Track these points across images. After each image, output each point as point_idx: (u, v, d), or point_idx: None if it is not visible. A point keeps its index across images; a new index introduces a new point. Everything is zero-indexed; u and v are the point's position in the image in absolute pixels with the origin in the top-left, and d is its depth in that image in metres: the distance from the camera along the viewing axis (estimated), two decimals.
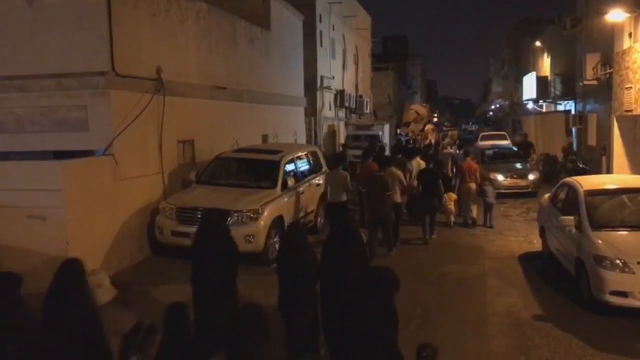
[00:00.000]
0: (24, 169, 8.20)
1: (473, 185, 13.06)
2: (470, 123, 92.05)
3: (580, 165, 19.11)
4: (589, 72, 19.27)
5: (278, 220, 9.79)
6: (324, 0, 24.05)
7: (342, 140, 25.63)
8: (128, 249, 9.40)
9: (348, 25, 28.87)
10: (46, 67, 8.91)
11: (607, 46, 17.37)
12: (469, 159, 13.83)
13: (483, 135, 32.73)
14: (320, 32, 23.60)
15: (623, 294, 6.97)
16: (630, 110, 14.71)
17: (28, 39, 8.98)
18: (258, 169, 10.84)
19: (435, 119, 58.72)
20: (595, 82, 19.25)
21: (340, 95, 26.49)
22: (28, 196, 7.89)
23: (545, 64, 31.99)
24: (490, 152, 20.15)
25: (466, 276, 9.07)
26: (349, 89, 28.97)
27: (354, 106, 29.71)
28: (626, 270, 6.97)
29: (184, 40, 11.24)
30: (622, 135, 16.52)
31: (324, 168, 12.73)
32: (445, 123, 76.52)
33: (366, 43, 35.00)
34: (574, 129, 23.68)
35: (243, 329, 3.81)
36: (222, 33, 12.97)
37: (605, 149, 17.88)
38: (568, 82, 26.17)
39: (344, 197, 11.00)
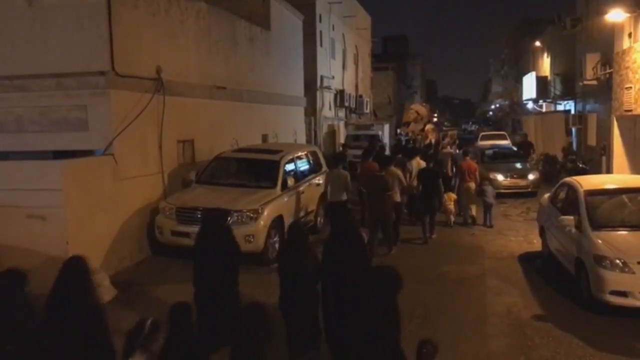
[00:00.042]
0: (23, 169, 8.19)
1: (472, 185, 13.09)
2: (470, 123, 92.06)
3: (580, 165, 19.11)
4: (589, 72, 19.27)
5: (278, 220, 9.79)
6: (324, 0, 24.05)
7: (342, 140, 25.64)
8: (128, 248, 9.40)
9: (348, 25, 28.88)
10: (46, 66, 8.91)
11: (607, 46, 17.37)
12: (468, 158, 13.88)
13: (483, 135, 32.74)
14: (320, 32, 23.60)
15: (623, 294, 6.97)
16: (630, 110, 14.71)
17: (28, 38, 8.98)
18: (258, 168, 10.84)
19: (435, 119, 58.70)
20: (595, 82, 19.26)
21: (340, 95, 26.50)
22: (28, 196, 7.89)
23: (545, 63, 32.00)
24: (490, 152, 20.16)
25: (466, 276, 9.07)
26: (349, 89, 28.97)
27: (353, 106, 29.71)
28: (626, 270, 6.97)
29: (183, 40, 11.24)
30: (622, 135, 16.53)
31: (324, 168, 12.74)
32: (445, 123, 76.54)
33: (366, 43, 35.00)
34: (573, 129, 23.69)
35: (247, 327, 3.83)
36: (222, 33, 12.97)
37: (605, 149, 17.88)
38: (568, 82, 26.17)
39: (344, 197, 11.01)
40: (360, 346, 4.45)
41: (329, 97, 25.15)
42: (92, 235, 8.36)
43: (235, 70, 13.69)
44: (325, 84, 23.97)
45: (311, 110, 21.96)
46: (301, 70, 19.81)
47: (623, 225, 7.87)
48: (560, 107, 27.69)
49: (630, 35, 15.44)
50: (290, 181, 10.42)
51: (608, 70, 17.47)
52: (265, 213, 9.40)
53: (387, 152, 21.13)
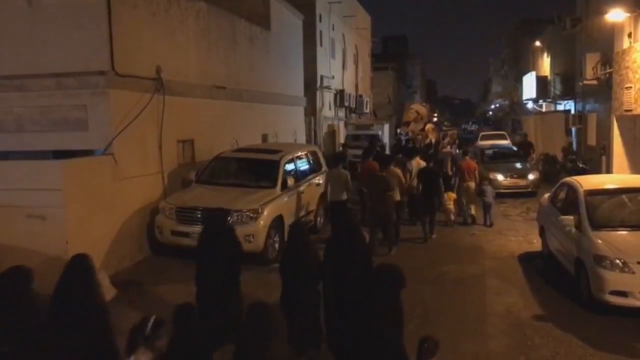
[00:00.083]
0: (23, 169, 8.18)
1: (472, 184, 13.13)
2: (470, 123, 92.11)
3: (580, 165, 19.11)
4: (589, 72, 19.27)
5: (278, 220, 9.79)
6: (323, 0, 24.04)
7: (341, 140, 25.64)
8: (128, 248, 9.40)
9: (348, 25, 28.87)
10: (46, 66, 8.90)
11: (607, 46, 17.37)
12: (467, 158, 13.98)
13: (483, 135, 32.76)
14: (320, 31, 23.59)
15: (623, 294, 6.96)
16: (630, 110, 14.71)
17: (27, 38, 8.97)
18: (258, 168, 10.84)
19: (435, 119, 58.72)
20: (595, 82, 19.25)
21: (340, 94, 26.50)
22: (28, 196, 7.89)
23: (545, 63, 31.99)
24: (490, 151, 20.17)
25: (466, 276, 9.07)
26: (349, 89, 28.96)
27: (353, 106, 29.71)
28: (626, 270, 6.97)
29: (183, 40, 11.24)
30: (622, 135, 16.53)
31: (324, 168, 12.74)
32: (445, 123, 76.56)
33: (366, 43, 35.00)
34: (573, 129, 23.68)
35: (250, 326, 3.86)
36: (221, 32, 12.97)
37: (605, 149, 17.88)
38: (568, 81, 26.17)
39: (344, 196, 11.02)
40: (362, 345, 4.46)
41: (328, 97, 25.14)
42: (92, 235, 8.36)
43: (235, 70, 13.69)
44: (325, 83, 23.96)
45: (311, 110, 21.95)
46: (301, 70, 19.80)
47: (623, 225, 7.86)
48: (560, 107, 27.68)
49: (630, 35, 15.44)
50: (290, 181, 10.42)
51: (608, 70, 17.46)
52: (265, 213, 9.39)
53: (387, 151, 21.14)
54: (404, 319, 4.63)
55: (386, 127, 28.24)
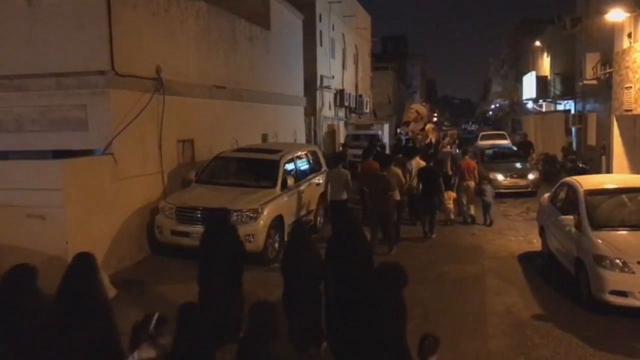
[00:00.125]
0: (23, 169, 8.18)
1: (472, 183, 13.17)
2: (470, 123, 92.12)
3: (580, 165, 19.11)
4: (589, 72, 19.27)
5: (278, 219, 9.79)
6: (323, 0, 24.04)
7: (341, 139, 25.65)
8: (127, 248, 9.40)
9: (348, 24, 28.87)
10: (45, 66, 8.90)
11: (607, 46, 17.37)
12: (467, 157, 14.05)
13: (483, 135, 32.78)
14: (320, 31, 23.59)
15: (623, 294, 6.96)
16: (630, 110, 14.71)
17: (27, 38, 8.97)
18: (258, 168, 10.84)
19: (435, 119, 58.74)
20: (595, 82, 19.25)
21: (339, 94, 26.50)
22: (27, 195, 7.88)
23: (545, 63, 31.98)
24: (490, 151, 20.18)
25: (466, 276, 9.07)
26: (349, 89, 28.97)
27: (353, 106, 29.71)
28: (626, 269, 6.97)
29: (183, 40, 11.23)
30: (622, 134, 16.53)
31: (324, 167, 12.75)
32: (445, 123, 76.56)
33: (366, 43, 35.00)
34: (573, 129, 23.68)
35: (254, 325, 3.89)
36: (221, 32, 12.97)
37: (605, 149, 17.88)
38: (568, 81, 26.17)
39: (345, 196, 11.04)
40: (363, 343, 4.47)
41: (328, 96, 25.14)
42: (92, 235, 8.35)
43: (235, 69, 13.69)
44: (325, 83, 23.96)
45: (311, 110, 21.95)
46: (301, 69, 19.80)
47: (623, 225, 7.86)
48: (560, 107, 27.68)
49: (629, 35, 15.43)
50: (290, 181, 10.42)
51: (608, 70, 17.46)
52: (265, 213, 9.39)
53: (387, 151, 21.13)
54: (407, 317, 4.64)
55: (386, 127, 28.24)
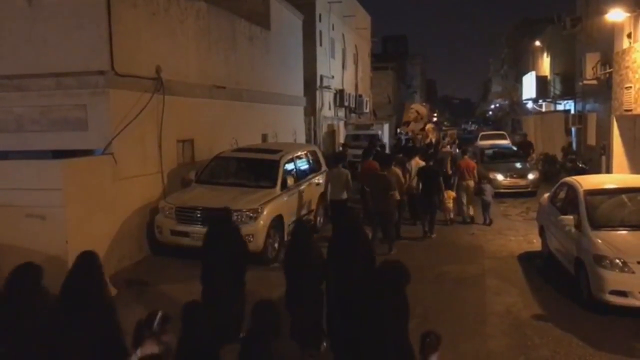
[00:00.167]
0: (23, 169, 8.18)
1: (471, 183, 13.21)
2: (470, 123, 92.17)
3: (580, 165, 19.11)
4: (589, 72, 19.26)
5: (277, 219, 9.79)
6: (323, 0, 24.04)
7: (341, 139, 25.66)
8: (127, 248, 9.40)
9: (348, 24, 28.87)
10: (45, 66, 8.91)
11: (607, 46, 17.37)
12: (466, 157, 14.14)
13: (483, 135, 32.79)
14: (320, 31, 23.59)
15: (623, 294, 6.96)
16: (630, 110, 14.71)
17: (27, 37, 8.97)
18: (257, 168, 10.84)
19: (435, 119, 58.76)
20: (595, 82, 19.25)
21: (339, 94, 26.50)
22: (27, 195, 7.88)
23: (545, 63, 31.98)
24: (490, 151, 20.20)
25: (466, 276, 9.07)
26: (349, 89, 28.97)
27: (353, 106, 29.71)
28: (626, 269, 6.97)
29: (183, 40, 11.23)
30: (622, 134, 16.53)
31: (324, 167, 12.75)
32: (445, 123, 76.62)
33: (366, 43, 35.00)
34: (573, 129, 23.68)
35: (257, 323, 3.91)
36: (221, 32, 12.97)
37: (604, 149, 17.88)
38: (568, 81, 26.16)
39: (345, 195, 11.04)
40: (365, 342, 4.47)
41: (328, 96, 25.15)
42: (92, 235, 8.34)
43: (235, 69, 13.69)
44: (325, 83, 23.96)
45: (311, 110, 21.96)
46: (301, 69, 19.80)
47: (623, 225, 7.86)
48: (560, 107, 27.68)
49: (629, 35, 15.43)
50: (290, 181, 10.42)
51: (608, 70, 17.46)
52: (265, 212, 9.39)
53: (387, 151, 21.13)
54: (410, 315, 4.64)
55: (386, 127, 28.25)
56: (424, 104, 44.45)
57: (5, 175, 8.10)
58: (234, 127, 13.45)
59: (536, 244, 10.63)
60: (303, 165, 11.87)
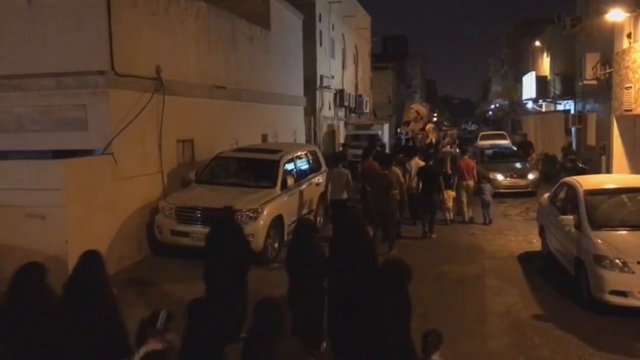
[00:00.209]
0: (23, 168, 8.18)
1: (471, 183, 13.23)
2: (470, 123, 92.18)
3: (580, 165, 19.11)
4: (589, 72, 19.27)
5: (277, 219, 9.79)
6: (323, 0, 24.05)
7: (341, 139, 25.67)
8: (127, 248, 9.40)
9: (348, 24, 28.88)
10: (45, 66, 8.91)
11: (607, 46, 17.37)
12: (466, 157, 14.13)
13: (483, 135, 32.79)
14: (320, 31, 23.60)
15: (623, 294, 6.96)
16: (630, 110, 14.71)
17: (27, 37, 8.98)
18: (257, 168, 10.85)
19: (435, 119, 58.73)
20: (594, 82, 19.25)
21: (339, 94, 26.52)
22: (27, 195, 7.89)
23: (545, 63, 31.98)
24: (489, 151, 20.20)
25: (465, 276, 9.07)
26: (349, 89, 28.97)
27: (353, 106, 29.72)
28: (626, 269, 6.97)
29: (183, 40, 11.23)
30: (622, 134, 16.53)
31: (324, 167, 12.75)
32: (445, 123, 76.58)
33: (366, 43, 35.01)
34: (573, 129, 23.68)
35: (260, 322, 3.92)
36: (221, 32, 12.97)
37: (604, 149, 17.88)
38: (568, 81, 26.16)
39: (345, 195, 11.04)
40: (366, 341, 4.48)
41: (328, 96, 25.15)
42: (92, 235, 8.35)
43: (235, 69, 13.69)
44: (325, 83, 23.97)
45: (311, 110, 21.97)
46: (301, 69, 19.81)
47: (623, 225, 7.86)
48: (560, 107, 27.68)
49: (629, 35, 15.44)
50: (290, 181, 10.42)
51: (608, 70, 17.46)
52: (265, 212, 9.39)
53: (387, 151, 21.14)
54: (412, 313, 4.64)
55: (386, 126, 28.27)
56: (424, 104, 44.43)
57: (5, 175, 8.11)
58: (234, 127, 13.45)
59: (536, 244, 10.63)
60: (303, 165, 11.88)
